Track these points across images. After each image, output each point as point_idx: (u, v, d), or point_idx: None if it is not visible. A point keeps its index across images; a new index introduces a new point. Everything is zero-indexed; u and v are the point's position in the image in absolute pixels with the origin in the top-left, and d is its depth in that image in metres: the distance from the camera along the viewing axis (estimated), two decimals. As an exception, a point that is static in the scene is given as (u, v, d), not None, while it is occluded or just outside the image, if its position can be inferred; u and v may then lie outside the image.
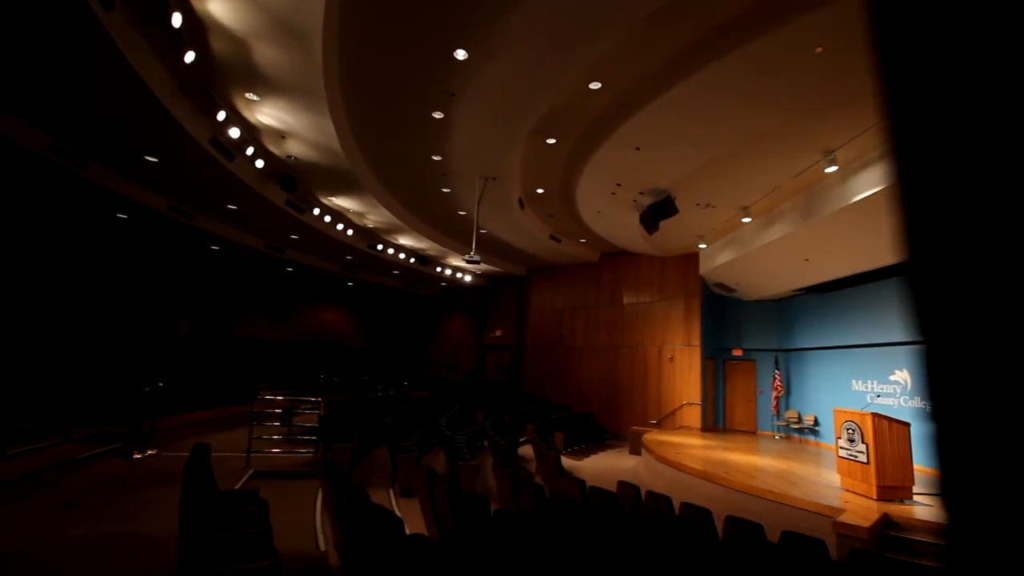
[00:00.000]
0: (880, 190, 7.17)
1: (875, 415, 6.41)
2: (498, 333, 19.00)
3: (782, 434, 12.49)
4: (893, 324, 9.47)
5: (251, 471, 7.38)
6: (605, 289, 16.26)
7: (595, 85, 7.10)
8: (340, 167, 9.51)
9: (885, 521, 5.58)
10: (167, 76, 6.83)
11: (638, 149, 8.17)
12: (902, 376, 9.24)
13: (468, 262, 9.95)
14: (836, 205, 8.04)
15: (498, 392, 17.62)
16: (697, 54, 6.14)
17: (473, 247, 10.42)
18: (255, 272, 17.26)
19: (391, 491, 7.15)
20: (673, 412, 13.40)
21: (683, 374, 13.41)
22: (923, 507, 6.03)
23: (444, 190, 10.95)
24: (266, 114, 7.99)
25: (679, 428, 13.12)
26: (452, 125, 8.31)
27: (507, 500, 5.94)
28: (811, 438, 11.66)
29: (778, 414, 12.54)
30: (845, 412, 6.88)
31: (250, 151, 8.62)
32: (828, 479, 7.45)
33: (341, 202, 11.66)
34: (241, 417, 10.59)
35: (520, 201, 11.47)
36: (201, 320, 16.14)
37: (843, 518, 5.42)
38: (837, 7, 4.90)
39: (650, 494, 6.05)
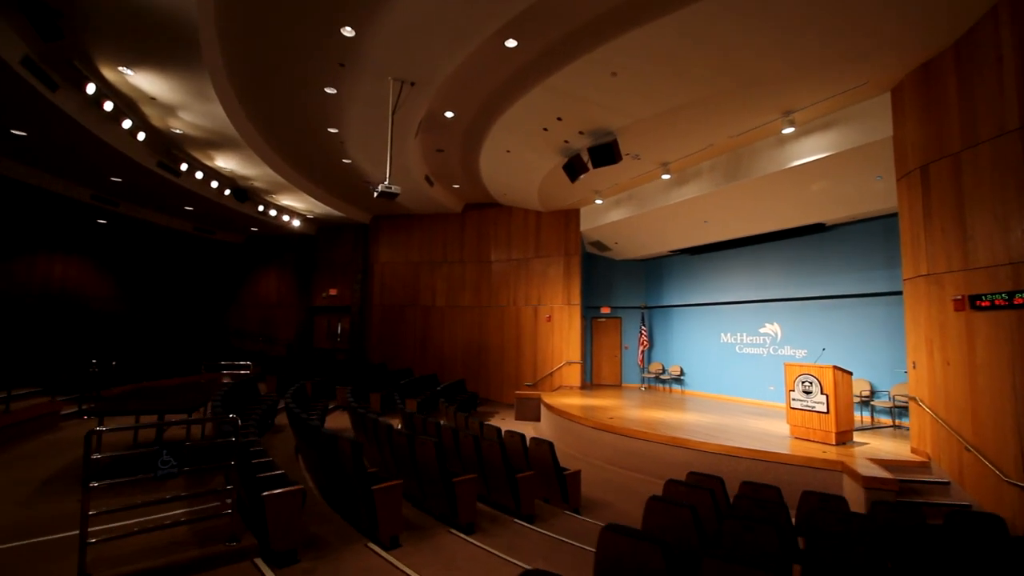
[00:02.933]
0: (820, 158, 7.57)
1: (835, 368, 6.84)
2: (332, 292, 15.65)
3: (647, 385, 13.40)
4: (768, 283, 10.68)
5: None
6: (470, 243, 14.75)
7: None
8: None
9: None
10: None
11: (614, 75, 6.87)
12: (772, 328, 10.55)
13: (382, 194, 7.21)
14: (769, 169, 8.30)
15: (335, 364, 14.64)
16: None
17: (388, 172, 7.60)
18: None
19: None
20: (551, 373, 13.06)
21: (563, 333, 13.11)
22: (866, 445, 6.73)
23: (328, 91, 7.72)
24: None
25: (558, 388, 12.87)
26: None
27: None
28: (676, 387, 12.76)
29: (644, 367, 13.37)
30: (799, 366, 7.22)
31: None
32: (768, 429, 7.86)
33: (134, 79, 7.16)
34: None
35: (420, 124, 8.98)
36: None
37: (859, 469, 5.54)
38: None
39: (693, 475, 5.18)
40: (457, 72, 7.17)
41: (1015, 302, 4.85)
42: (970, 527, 3.76)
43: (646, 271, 13.95)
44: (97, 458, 3.26)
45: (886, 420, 8.36)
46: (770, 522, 3.09)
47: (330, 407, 11.35)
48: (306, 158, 10.79)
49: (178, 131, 8.68)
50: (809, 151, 7.72)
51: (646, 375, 13.32)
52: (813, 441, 6.89)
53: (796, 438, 7.13)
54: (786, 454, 6.27)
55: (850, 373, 7.04)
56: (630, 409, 9.93)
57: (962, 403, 5.47)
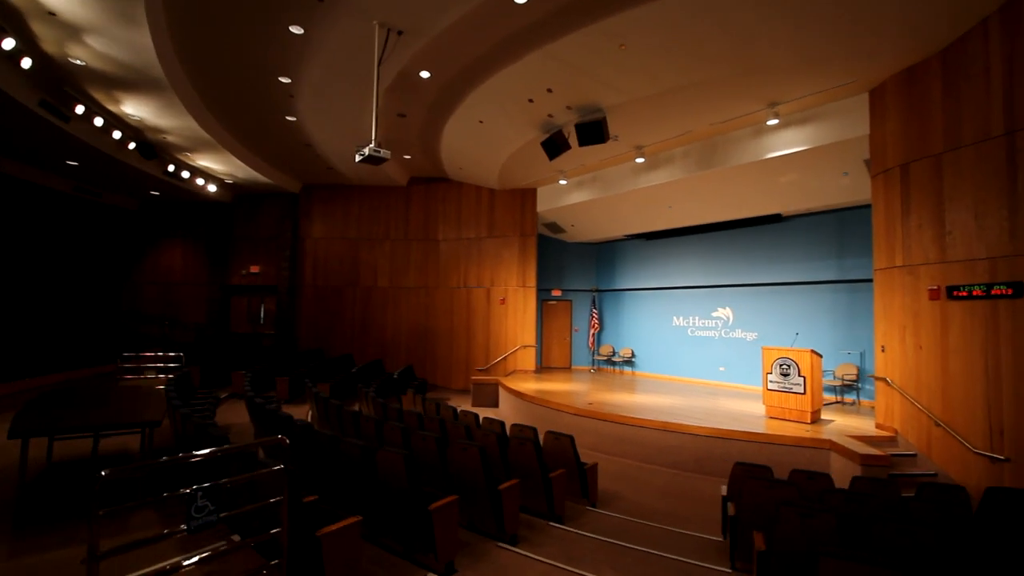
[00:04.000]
0: (795, 151, 7.93)
1: (812, 351, 7.27)
2: (253, 270, 13.81)
3: (597, 367, 13.59)
4: (721, 269, 11.19)
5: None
6: (416, 219, 13.77)
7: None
8: None
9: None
10: None
11: (622, 47, 6.52)
12: (724, 312, 11.12)
13: (368, 158, 6.15)
14: (744, 159, 8.55)
15: (262, 351, 13.04)
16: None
17: (374, 131, 6.50)
18: None
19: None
20: (505, 357, 12.71)
21: (518, 316, 12.78)
22: (834, 423, 7.27)
23: (294, 30, 6.45)
24: None
25: (512, 372, 12.58)
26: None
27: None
28: (626, 369, 13.07)
29: (595, 349, 13.53)
30: (776, 350, 7.58)
31: None
32: (744, 410, 8.22)
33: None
34: None
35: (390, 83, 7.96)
36: None
37: (850, 447, 5.91)
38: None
39: (742, 465, 5.13)
40: (453, 25, 6.36)
41: (993, 293, 5.38)
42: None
43: (598, 254, 14.03)
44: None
45: (831, 397, 9.18)
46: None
47: (274, 399, 10.01)
48: (241, 111, 9.17)
49: (79, 62, 6.80)
50: (785, 144, 8.03)
51: (597, 357, 13.49)
52: (789, 420, 7.31)
53: (772, 418, 7.53)
54: (778, 435, 6.56)
55: (821, 356, 7.55)
56: (600, 393, 9.93)
57: (933, 383, 6.04)
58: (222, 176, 12.22)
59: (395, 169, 12.66)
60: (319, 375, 10.92)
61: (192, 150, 10.40)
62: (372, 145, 6.11)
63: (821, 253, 9.55)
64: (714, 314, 11.27)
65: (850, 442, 6.16)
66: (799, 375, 7.25)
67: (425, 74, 7.85)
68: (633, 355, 12.91)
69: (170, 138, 9.68)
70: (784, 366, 7.40)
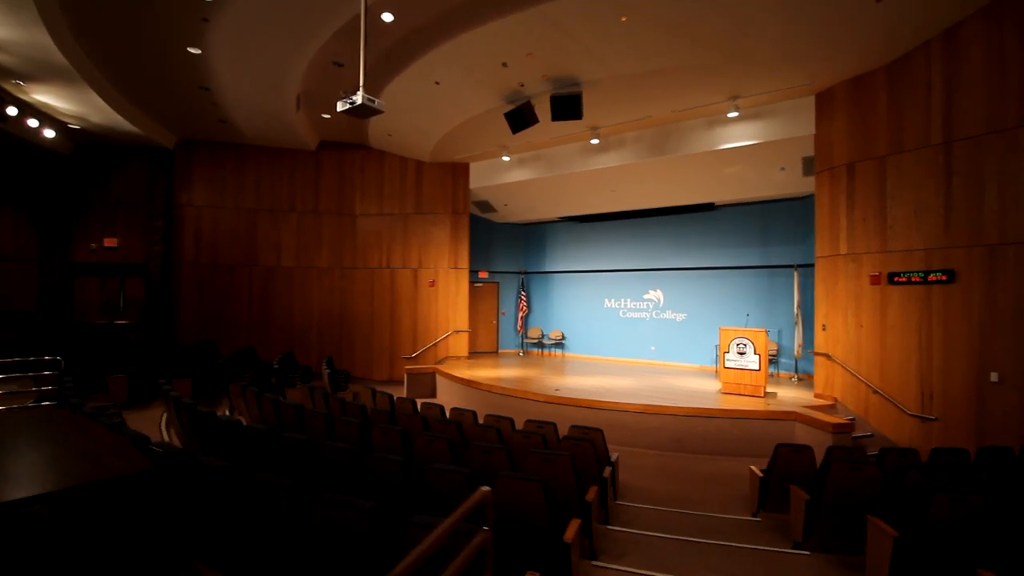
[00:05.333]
0: (745, 145, 8.47)
1: (766, 332, 7.90)
2: (109, 244, 10.85)
3: (525, 351, 13.45)
4: (653, 253, 11.71)
5: None
6: (328, 190, 12.08)
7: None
8: None
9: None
10: None
11: (624, 20, 6.22)
12: (655, 295, 11.69)
13: (357, 109, 4.87)
14: (697, 148, 8.92)
15: (124, 346, 10.42)
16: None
17: (361, 75, 5.10)
18: None
19: None
20: (436, 343, 11.89)
21: (449, 299, 11.99)
22: (778, 395, 8.04)
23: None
24: None
25: (444, 359, 11.84)
26: None
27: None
28: (556, 351, 13.14)
29: (523, 333, 13.35)
30: (733, 331, 8.11)
31: None
32: (694, 387, 8.69)
33: None
34: None
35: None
36: None
37: (817, 416, 6.54)
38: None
39: (784, 446, 5.26)
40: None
41: (929, 279, 6.30)
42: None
43: (527, 236, 13.79)
44: None
45: (752, 370, 10.20)
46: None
47: (111, 406, 7.96)
48: (118, 30, 6.93)
49: None
50: (737, 137, 8.53)
51: (527, 341, 13.35)
52: (744, 395, 7.91)
53: (728, 393, 8.08)
54: (751, 410, 7.02)
55: (766, 332, 8.28)
56: (553, 377, 9.77)
57: (872, 357, 6.96)
58: (67, 119, 9.26)
59: (307, 129, 10.86)
60: (174, 371, 8.79)
61: (30, 77, 7.63)
62: (360, 92, 4.94)
63: (747, 241, 10.50)
64: (645, 296, 11.81)
65: (814, 412, 6.83)
66: (755, 353, 7.86)
67: (388, 17, 6.68)
68: (563, 337, 13.03)
69: (2, 56, 6.95)
70: (741, 345, 7.96)
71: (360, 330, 12.08)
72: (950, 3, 5.87)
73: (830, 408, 7.39)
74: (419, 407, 6.60)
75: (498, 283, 13.62)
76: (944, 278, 6.15)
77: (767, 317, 10.10)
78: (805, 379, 9.41)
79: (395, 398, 7.04)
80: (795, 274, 9.49)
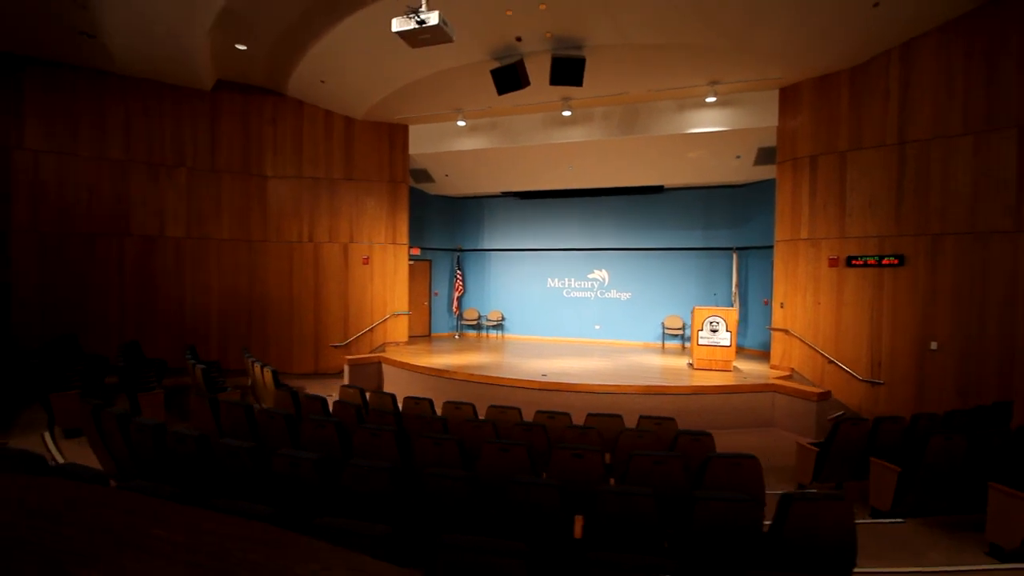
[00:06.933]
0: (713, 131, 8.82)
1: (736, 310, 8.40)
2: None
3: (461, 333, 12.65)
4: (599, 233, 11.75)
5: None
6: (229, 143, 9.73)
7: None
8: None
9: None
10: None
11: (657, -17, 5.85)
12: (600, 274, 11.79)
13: (419, 33, 3.55)
14: (666, 130, 9.04)
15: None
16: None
17: None
18: None
19: None
20: (372, 328, 10.50)
21: (387, 279, 10.63)
22: (740, 371, 8.67)
23: None
24: None
25: (383, 345, 10.54)
26: None
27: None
28: (495, 332, 12.58)
29: (459, 314, 12.53)
30: (706, 310, 8.48)
31: None
32: (662, 364, 8.93)
33: None
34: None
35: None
36: None
37: (801, 387, 7.13)
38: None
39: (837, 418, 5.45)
40: None
41: (883, 263, 7.23)
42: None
43: (464, 210, 12.85)
44: None
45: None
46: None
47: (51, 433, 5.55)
48: None
49: None
50: (704, 122, 8.82)
51: (463, 322, 12.56)
52: (715, 370, 8.36)
53: (700, 369, 8.47)
54: (734, 385, 7.42)
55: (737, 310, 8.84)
56: (515, 361, 9.27)
57: (828, 331, 7.83)
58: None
59: (203, 60, 8.47)
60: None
61: None
62: (422, 8, 3.77)
63: (690, 224, 11.09)
64: (590, 276, 11.87)
65: (793, 384, 7.47)
66: (726, 330, 8.33)
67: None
68: (503, 318, 12.53)
69: None
70: (714, 323, 8.37)
71: (276, 316, 10.10)
72: (909, 19, 6.61)
73: (788, 378, 8.19)
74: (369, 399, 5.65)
75: (431, 261, 12.53)
76: (896, 262, 7.10)
77: (706, 296, 10.86)
78: (744, 352, 10.32)
79: (331, 400, 5.55)
80: (734, 256, 10.31)
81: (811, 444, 5.07)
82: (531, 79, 7.48)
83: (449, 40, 4.09)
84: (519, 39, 7.10)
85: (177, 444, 3.18)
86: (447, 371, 8.22)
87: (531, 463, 3.66)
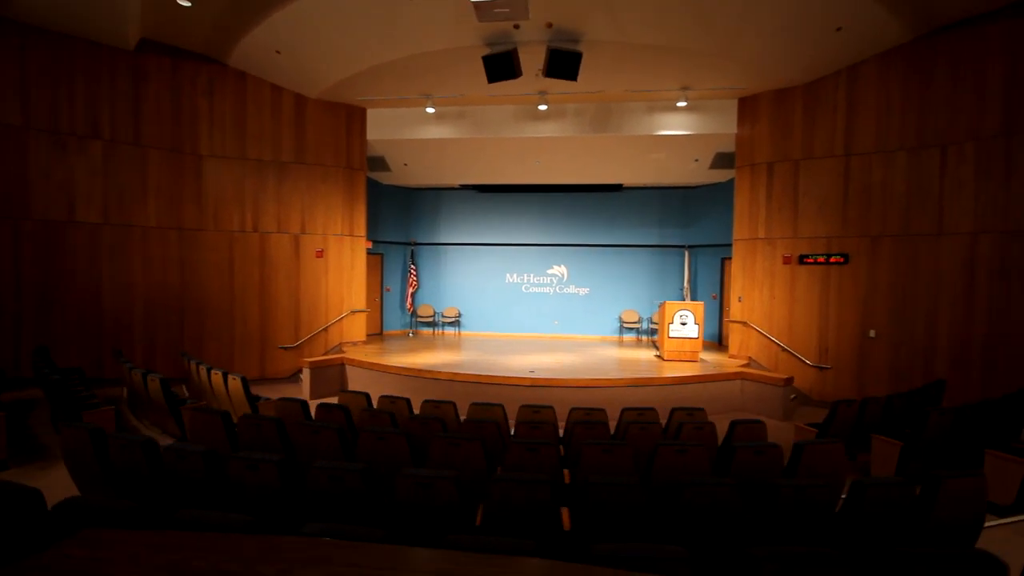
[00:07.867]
0: (680, 134, 9.28)
1: (703, 304, 8.92)
2: None
3: (415, 330, 12.10)
4: (557, 229, 11.85)
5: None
6: (157, 114, 8.38)
7: None
8: None
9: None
10: None
11: (664, -15, 5.99)
12: (559, 270, 11.89)
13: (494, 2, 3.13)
14: (636, 131, 9.35)
15: None
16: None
17: None
18: None
19: None
20: (327, 327, 9.67)
21: (343, 274, 9.83)
22: (707, 362, 9.23)
23: None
24: None
25: (340, 345, 9.76)
26: None
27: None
28: (451, 329, 12.19)
29: (413, 310, 11.98)
30: (677, 304, 8.91)
31: None
32: (630, 356, 9.22)
33: None
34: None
35: None
36: None
37: (766, 374, 7.74)
38: None
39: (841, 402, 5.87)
40: None
41: (831, 261, 8.10)
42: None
43: (418, 202, 12.26)
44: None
45: (647, 338, 11.46)
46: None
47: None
48: None
49: None
50: (671, 126, 9.25)
51: (417, 319, 12.02)
52: (684, 361, 8.83)
53: (670, 360, 8.89)
54: (710, 374, 7.89)
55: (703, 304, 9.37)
56: (491, 358, 9.05)
57: (782, 323, 8.61)
58: None
59: (132, 14, 7.20)
60: None
61: None
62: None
63: (646, 223, 11.58)
64: (549, 271, 11.95)
65: (756, 371, 8.10)
66: (695, 323, 8.82)
67: None
68: (460, 315, 12.18)
69: None
70: (683, 316, 8.83)
71: (215, 315, 8.91)
72: (857, 44, 7.44)
73: (746, 365, 8.89)
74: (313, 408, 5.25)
75: (383, 255, 11.83)
76: (842, 260, 7.98)
77: (659, 291, 11.44)
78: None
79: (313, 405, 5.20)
80: (686, 254, 10.96)
81: (809, 426, 5.53)
82: (519, 70, 7.30)
83: (525, 17, 3.87)
84: (517, 26, 6.87)
85: (249, 471, 2.62)
86: (427, 371, 7.80)
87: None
